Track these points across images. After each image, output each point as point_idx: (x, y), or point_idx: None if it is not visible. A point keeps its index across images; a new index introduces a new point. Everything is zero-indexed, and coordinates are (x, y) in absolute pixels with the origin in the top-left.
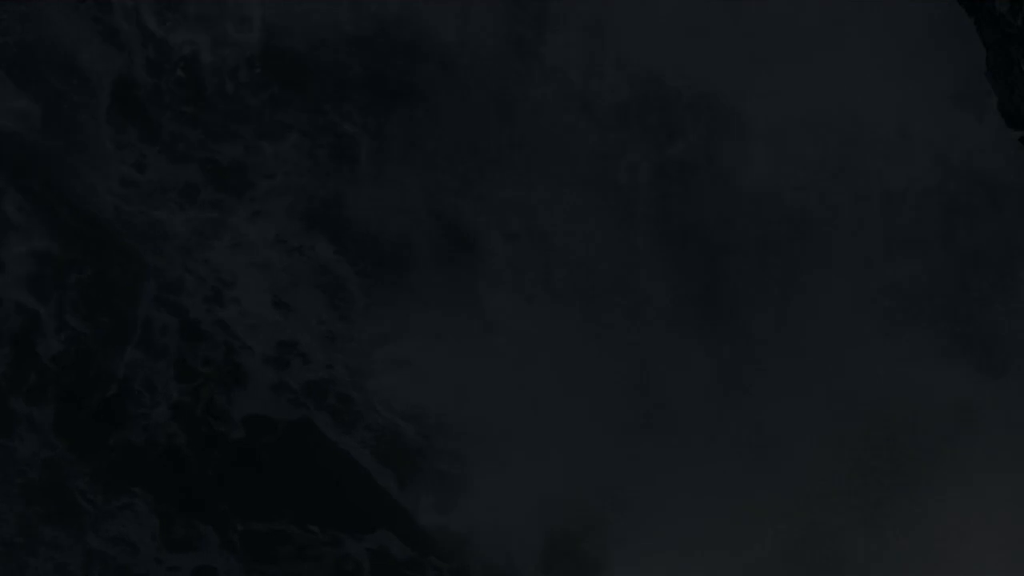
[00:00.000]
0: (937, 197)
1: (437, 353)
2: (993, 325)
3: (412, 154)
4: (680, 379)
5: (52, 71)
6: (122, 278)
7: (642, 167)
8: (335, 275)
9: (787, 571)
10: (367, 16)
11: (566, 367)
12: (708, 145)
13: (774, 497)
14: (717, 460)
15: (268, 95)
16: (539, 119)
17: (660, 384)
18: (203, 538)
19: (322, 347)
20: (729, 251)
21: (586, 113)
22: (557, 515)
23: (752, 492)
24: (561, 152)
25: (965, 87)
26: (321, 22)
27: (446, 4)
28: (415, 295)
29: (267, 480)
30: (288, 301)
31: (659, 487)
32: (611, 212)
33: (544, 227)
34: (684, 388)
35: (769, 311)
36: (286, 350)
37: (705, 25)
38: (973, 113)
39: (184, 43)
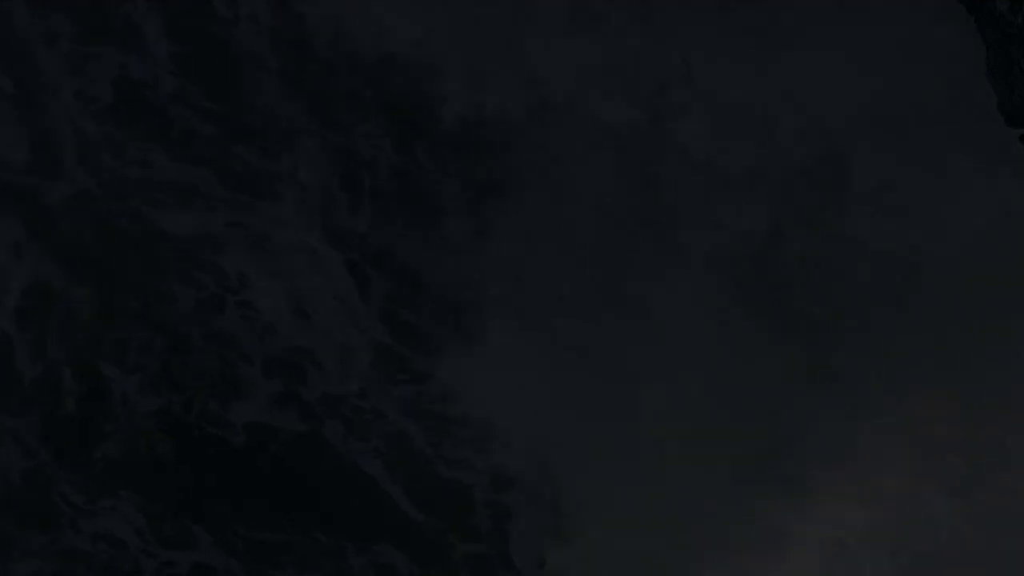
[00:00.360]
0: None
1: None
2: None
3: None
4: (796, 437)
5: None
6: (117, 288)
7: (749, 233)
8: (352, 285)
9: None
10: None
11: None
12: (817, 204)
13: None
14: (836, 520)
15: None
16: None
17: (777, 440)
18: (196, 538)
19: (335, 356)
20: (839, 307)
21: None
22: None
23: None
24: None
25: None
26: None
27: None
28: (439, 312)
29: (270, 487)
30: (302, 309)
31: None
32: (724, 275)
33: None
34: (800, 445)
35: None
36: (297, 359)
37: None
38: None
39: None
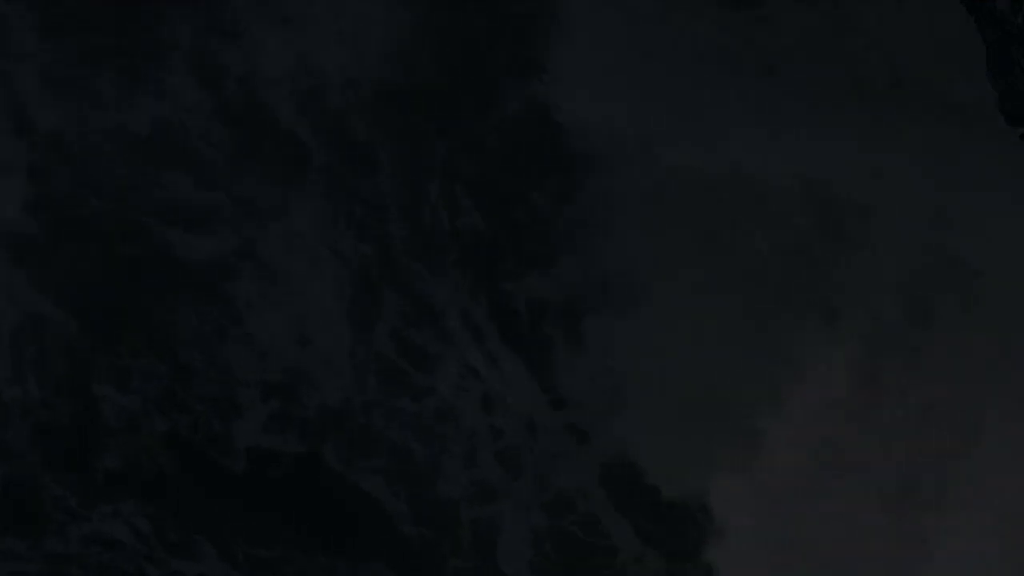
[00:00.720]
0: None
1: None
2: None
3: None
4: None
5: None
6: (124, 306)
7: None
8: (356, 309)
9: None
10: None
11: None
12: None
13: None
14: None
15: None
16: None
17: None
18: (200, 549)
19: (338, 378)
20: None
21: None
22: None
23: None
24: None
25: None
26: None
27: None
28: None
29: (273, 504)
30: (308, 330)
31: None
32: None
33: None
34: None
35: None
36: (301, 378)
37: None
38: None
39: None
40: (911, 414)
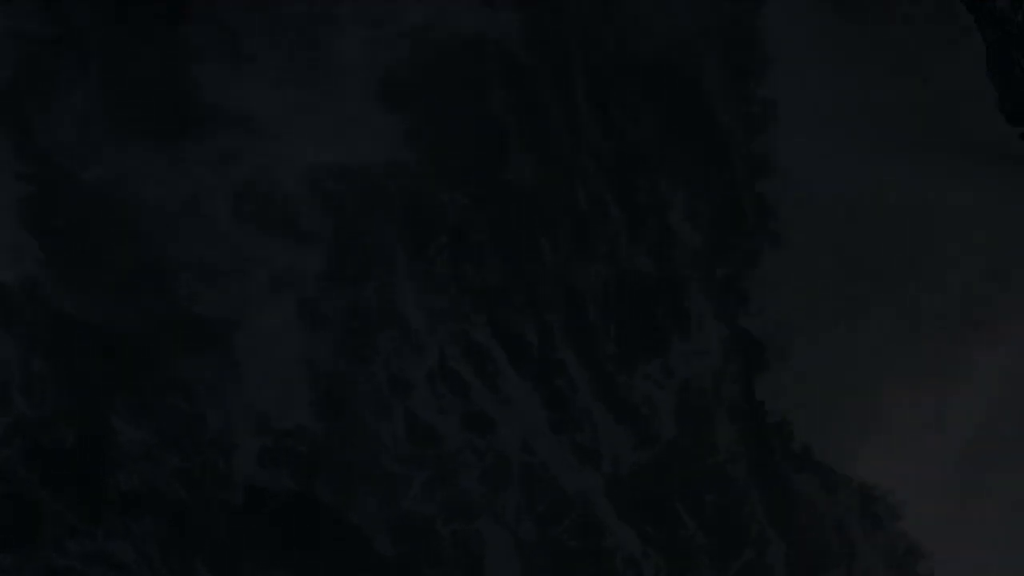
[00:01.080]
0: None
1: None
2: None
3: None
4: None
5: None
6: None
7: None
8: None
9: None
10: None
11: None
12: None
13: None
14: None
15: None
16: None
17: None
18: (198, 571)
19: (330, 413)
20: None
21: None
22: None
23: None
24: None
25: None
26: None
27: None
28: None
29: (269, 534)
30: (307, 369)
31: None
32: None
33: None
34: None
35: None
36: (294, 417)
37: None
38: None
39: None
40: None
